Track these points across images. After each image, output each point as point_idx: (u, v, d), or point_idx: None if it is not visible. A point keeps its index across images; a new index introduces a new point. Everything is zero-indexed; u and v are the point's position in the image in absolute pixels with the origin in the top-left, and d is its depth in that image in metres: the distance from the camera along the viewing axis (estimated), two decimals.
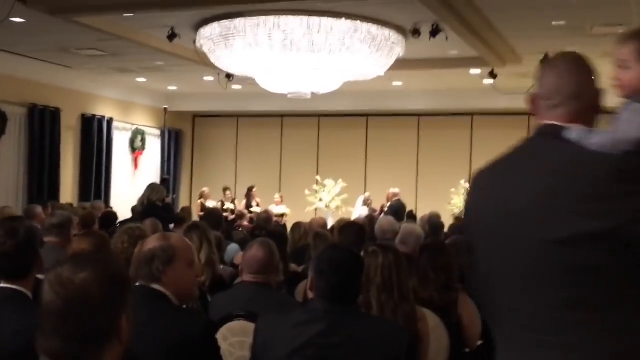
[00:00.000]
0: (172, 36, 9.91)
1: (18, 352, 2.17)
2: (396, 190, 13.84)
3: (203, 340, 2.46)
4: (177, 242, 2.65)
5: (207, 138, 18.03)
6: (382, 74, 10.90)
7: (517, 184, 1.76)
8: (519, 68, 11.85)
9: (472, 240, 1.89)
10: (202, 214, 13.52)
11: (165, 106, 16.07)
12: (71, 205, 11.45)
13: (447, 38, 9.32)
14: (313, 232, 5.84)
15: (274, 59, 9.70)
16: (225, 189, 14.53)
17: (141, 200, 8.39)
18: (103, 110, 15.23)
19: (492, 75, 11.92)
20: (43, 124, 13.33)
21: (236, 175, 17.35)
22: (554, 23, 9.21)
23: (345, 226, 4.67)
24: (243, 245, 6.53)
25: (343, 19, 9.14)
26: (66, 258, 1.60)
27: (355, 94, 14.66)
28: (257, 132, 17.40)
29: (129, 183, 15.94)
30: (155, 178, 16.59)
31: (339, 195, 14.26)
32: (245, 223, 12.29)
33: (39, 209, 8.21)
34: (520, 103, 14.13)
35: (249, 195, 14.58)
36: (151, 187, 8.41)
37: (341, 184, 14.31)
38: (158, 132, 16.98)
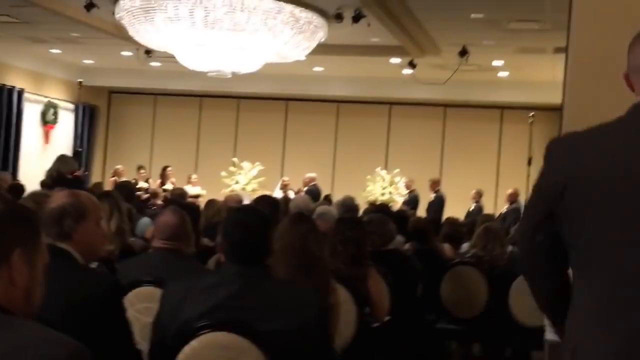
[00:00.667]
0: (89, 6, 9.62)
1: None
2: (312, 175, 13.95)
3: (106, 299, 2.41)
4: (86, 199, 2.59)
5: (123, 115, 17.63)
6: (303, 57, 10.91)
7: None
8: (437, 59, 12.09)
9: (572, 204, 1.86)
10: None
11: (80, 80, 15.59)
12: None
13: (369, 24, 9.42)
14: (226, 208, 5.81)
15: (195, 35, 9.57)
16: (139, 168, 14.24)
17: (50, 173, 8.14)
18: (13, 80, 14.68)
19: (412, 65, 12.12)
20: None
21: (152, 155, 17.04)
22: (472, 16, 9.43)
23: (260, 199, 4.67)
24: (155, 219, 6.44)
25: None
26: None
27: (276, 78, 14.62)
28: (175, 111, 17.14)
29: (39, 157, 15.41)
30: (67, 153, 16.13)
31: (255, 178, 14.20)
32: (159, 202, 12.08)
33: None
34: (437, 94, 14.55)
35: (163, 175, 14.32)
36: (61, 159, 8.18)
37: (258, 167, 14.25)
38: (72, 106, 16.49)
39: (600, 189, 1.83)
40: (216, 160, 15.58)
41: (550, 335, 3.02)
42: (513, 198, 12.80)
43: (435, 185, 13.81)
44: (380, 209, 6.64)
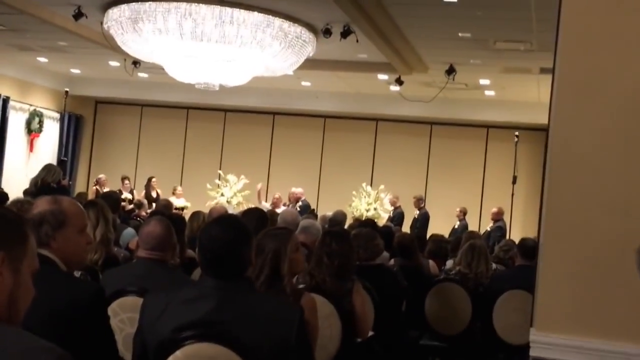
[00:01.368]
0: (78, 15, 9.60)
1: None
2: (300, 189, 13.91)
3: (90, 307, 2.38)
4: (68, 207, 2.54)
5: (108, 125, 17.55)
6: (291, 71, 10.95)
7: None
8: (424, 77, 12.16)
9: None
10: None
11: (66, 89, 15.54)
12: None
13: (357, 40, 9.46)
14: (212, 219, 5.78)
15: (183, 47, 9.57)
16: (123, 178, 14.17)
17: (35, 181, 8.08)
18: None
19: (399, 82, 12.17)
20: None
21: (137, 165, 16.97)
22: (460, 34, 9.50)
23: (247, 211, 4.66)
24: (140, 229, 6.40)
25: (255, 12, 9.12)
26: None
27: (263, 91, 14.65)
28: (161, 122, 17.09)
29: (24, 165, 15.33)
30: (52, 162, 16.03)
31: (240, 191, 14.17)
32: (144, 213, 12.01)
33: None
34: (424, 111, 14.60)
35: (148, 186, 14.28)
36: (47, 168, 8.11)
37: (244, 180, 14.23)
38: (57, 115, 16.41)
39: None
40: (202, 173, 15.54)
41: (535, 352, 3.03)
42: (497, 216, 12.86)
43: (419, 202, 13.85)
44: (366, 224, 6.63)
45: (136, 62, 12.49)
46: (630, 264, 2.58)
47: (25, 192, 9.29)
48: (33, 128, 15.60)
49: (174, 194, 14.10)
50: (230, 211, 13.70)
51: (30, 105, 15.58)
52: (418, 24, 9.28)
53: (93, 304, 2.40)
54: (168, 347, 2.43)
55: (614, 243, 2.95)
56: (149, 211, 11.85)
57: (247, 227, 2.61)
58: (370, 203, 13.99)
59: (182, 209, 13.71)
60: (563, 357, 2.94)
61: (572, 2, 3.07)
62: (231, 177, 14.33)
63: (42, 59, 14.24)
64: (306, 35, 9.75)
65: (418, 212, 13.74)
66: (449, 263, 6.47)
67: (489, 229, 12.90)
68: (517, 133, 13.76)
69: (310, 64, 10.86)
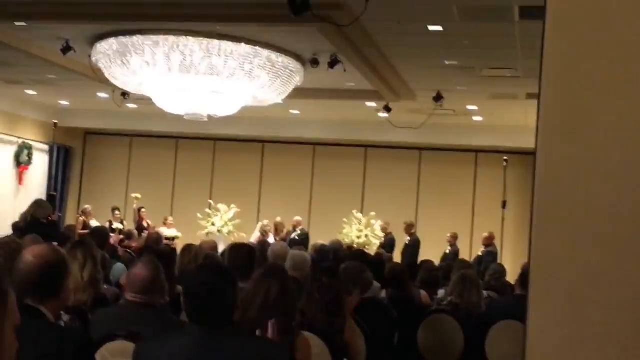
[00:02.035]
0: (66, 49, 9.62)
1: None
2: (299, 218, 14.04)
3: (75, 356, 2.36)
4: (64, 253, 2.57)
5: (98, 156, 17.53)
6: (280, 100, 10.98)
7: None
8: (412, 104, 12.22)
9: None
10: (83, 232, 13.11)
11: (55, 121, 15.53)
12: None
13: (344, 70, 9.50)
14: (203, 254, 5.76)
15: (171, 79, 9.59)
16: (113, 209, 14.13)
17: (24, 216, 8.05)
18: None
19: (387, 109, 12.22)
20: None
21: (127, 196, 16.89)
22: (447, 62, 9.57)
23: (234, 247, 4.64)
24: (129, 265, 6.36)
25: (243, 43, 9.16)
26: None
27: (253, 120, 14.68)
28: (151, 153, 17.08)
29: (12, 198, 15.27)
30: (41, 194, 15.96)
31: (231, 220, 14.13)
32: (134, 244, 11.95)
33: None
34: (412, 137, 14.63)
35: (138, 217, 14.22)
36: (37, 203, 8.09)
37: (234, 209, 14.20)
38: (46, 147, 16.38)
39: None
40: (192, 202, 15.51)
41: None
42: (489, 241, 12.86)
43: (409, 228, 13.84)
44: (357, 255, 6.62)
45: (125, 94, 12.50)
46: (626, 295, 2.57)
47: (15, 227, 9.26)
48: (22, 161, 15.56)
49: (164, 224, 14.06)
50: (221, 241, 13.72)
51: (19, 137, 15.55)
52: (404, 53, 9.35)
53: (79, 353, 2.39)
54: None
55: (605, 276, 2.94)
56: (137, 244, 11.81)
57: (230, 272, 2.64)
58: (362, 230, 13.96)
59: (173, 238, 13.67)
60: None
61: (555, 30, 3.09)
62: (222, 206, 14.29)
63: (31, 92, 14.25)
64: (294, 65, 9.80)
65: (409, 238, 13.72)
66: (441, 292, 6.46)
67: (480, 254, 12.89)
68: (505, 157, 13.84)
69: (298, 93, 10.91)
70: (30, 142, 15.82)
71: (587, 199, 2.98)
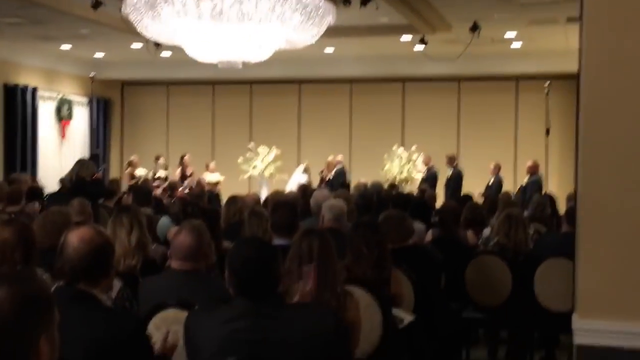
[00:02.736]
0: (96, 4, 9.59)
1: None
2: (339, 157, 14.02)
3: (133, 340, 2.42)
4: (109, 238, 2.62)
5: (136, 106, 17.65)
6: (313, 42, 10.82)
7: None
8: (448, 35, 11.95)
9: None
10: (131, 182, 13.33)
11: (92, 74, 15.62)
12: None
13: (377, 7, 9.30)
14: (248, 208, 5.80)
15: (203, 28, 9.50)
16: (157, 158, 14.29)
17: (69, 176, 8.18)
18: (26, 79, 14.72)
19: (423, 41, 11.98)
20: None
21: (168, 144, 17.07)
22: None
23: (277, 206, 4.64)
24: (176, 220, 6.45)
25: None
26: None
27: (287, 61, 14.50)
28: (189, 99, 17.12)
29: (57, 153, 15.54)
30: (84, 147, 16.22)
31: (273, 162, 14.20)
32: (179, 193, 12.08)
33: None
34: (450, 68, 14.39)
35: (182, 163, 14.38)
36: (80, 163, 8.21)
37: (275, 151, 14.25)
38: (85, 100, 16.53)
39: None
40: (232, 146, 15.57)
41: (579, 339, 2.99)
42: (533, 170, 12.71)
43: (452, 161, 13.73)
44: (400, 200, 6.61)
45: (158, 43, 12.46)
46: None
47: (62, 182, 9.41)
48: (63, 115, 15.75)
49: (207, 169, 14.20)
50: (263, 184, 13.84)
51: (58, 92, 15.70)
52: None
53: (135, 337, 2.44)
54: None
55: None
56: (184, 190, 11.98)
57: (274, 246, 2.64)
58: (403, 165, 13.92)
59: (217, 183, 13.81)
60: (608, 343, 2.90)
61: None
62: (262, 149, 14.35)
63: (66, 47, 14.30)
64: (325, 5, 9.60)
65: (451, 171, 13.63)
66: (486, 231, 6.42)
67: (524, 183, 12.77)
68: (547, 83, 13.50)
69: (332, 32, 10.71)
70: (70, 97, 15.97)
71: (634, 124, 2.88)
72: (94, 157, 12.56)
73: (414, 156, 13.96)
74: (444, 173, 13.71)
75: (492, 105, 15.20)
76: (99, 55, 15.53)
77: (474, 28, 10.85)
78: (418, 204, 7.06)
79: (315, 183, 13.34)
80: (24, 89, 14.51)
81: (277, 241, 4.37)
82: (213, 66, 12.22)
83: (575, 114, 3.09)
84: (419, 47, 12.49)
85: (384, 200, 7.35)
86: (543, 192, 11.81)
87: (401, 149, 14.23)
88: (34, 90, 14.78)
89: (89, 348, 2.30)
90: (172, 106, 17.33)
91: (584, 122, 3.01)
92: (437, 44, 12.30)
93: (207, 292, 3.27)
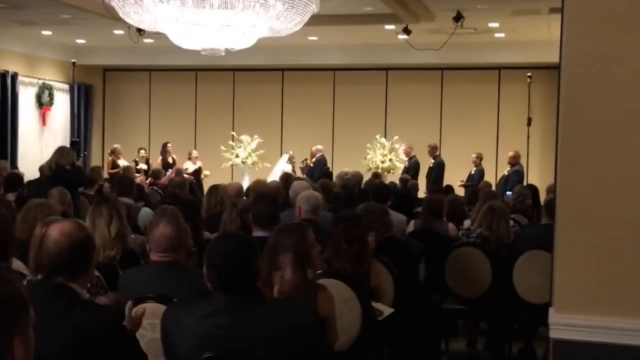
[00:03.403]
0: None
1: None
2: (320, 146, 14.04)
3: (111, 333, 2.42)
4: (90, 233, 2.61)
5: (118, 93, 17.51)
6: (296, 29, 10.77)
7: None
8: (432, 25, 11.95)
9: None
10: (113, 171, 13.25)
11: (73, 60, 15.46)
12: None
13: None
14: (229, 198, 5.78)
15: (185, 15, 9.43)
16: (139, 150, 14.20)
17: (49, 164, 8.11)
18: (6, 64, 14.56)
19: (406, 31, 11.96)
20: None
21: (150, 131, 16.98)
22: None
23: (258, 198, 4.63)
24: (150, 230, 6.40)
25: None
26: None
27: (271, 49, 14.45)
28: (171, 87, 17.01)
29: (37, 140, 15.41)
30: (65, 134, 16.08)
31: (255, 151, 14.16)
32: (162, 182, 12.03)
33: None
34: (434, 57, 14.38)
35: (164, 152, 14.31)
36: (60, 151, 8.12)
37: (257, 139, 14.20)
38: (67, 86, 16.38)
39: None
40: (215, 134, 15.52)
41: (556, 334, 3.01)
42: (514, 160, 12.76)
43: (433, 150, 13.76)
44: (381, 191, 6.62)
45: (140, 30, 12.37)
46: None
47: (41, 170, 9.32)
48: (44, 101, 15.60)
49: (189, 158, 14.12)
50: (246, 173, 13.81)
51: (39, 79, 15.55)
52: None
53: (114, 329, 2.44)
54: None
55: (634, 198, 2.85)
56: (166, 180, 11.92)
57: (253, 241, 2.67)
58: (385, 154, 13.93)
59: (199, 173, 13.73)
60: (584, 338, 2.93)
61: None
62: (244, 138, 14.30)
63: (47, 32, 14.14)
64: None
65: (433, 160, 13.67)
66: (466, 222, 6.45)
67: (506, 173, 12.83)
68: (529, 73, 13.55)
69: (315, 20, 10.66)
70: (51, 83, 15.82)
71: (613, 117, 2.89)
72: (73, 144, 12.46)
73: (396, 146, 13.98)
74: (426, 163, 13.74)
75: (475, 95, 15.24)
76: (81, 41, 15.38)
77: (458, 18, 10.86)
78: (400, 194, 7.08)
79: (298, 172, 13.34)
80: (4, 75, 14.35)
81: (258, 233, 4.37)
82: (196, 53, 12.15)
83: (556, 105, 3.10)
84: (403, 37, 12.49)
85: (364, 192, 7.36)
86: (524, 183, 11.88)
87: (384, 138, 14.24)
88: (14, 75, 14.62)
89: (67, 342, 2.30)
90: (155, 93, 17.22)
91: (564, 115, 3.02)
92: (420, 34, 12.29)
93: (188, 284, 3.27)
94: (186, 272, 3.46)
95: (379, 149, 13.93)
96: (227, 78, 16.58)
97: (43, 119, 15.67)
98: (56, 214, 4.28)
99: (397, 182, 11.08)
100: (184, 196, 6.29)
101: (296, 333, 2.57)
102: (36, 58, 15.48)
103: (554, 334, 3.00)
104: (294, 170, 13.21)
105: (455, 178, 12.86)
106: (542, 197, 9.59)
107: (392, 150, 13.93)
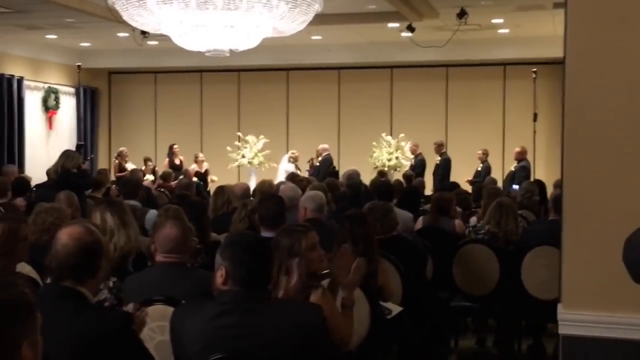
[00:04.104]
0: None
1: None
2: (325, 145, 14.00)
3: (119, 337, 2.42)
4: (100, 235, 2.61)
5: (124, 95, 17.54)
6: (300, 29, 10.77)
7: None
8: (436, 22, 11.94)
9: None
10: (120, 174, 13.26)
11: (78, 63, 15.51)
12: None
13: None
14: (235, 198, 5.78)
15: (189, 17, 9.44)
16: (145, 160, 14.15)
17: (55, 168, 8.13)
18: (12, 69, 14.61)
19: (410, 29, 11.96)
20: None
21: (156, 133, 17.01)
22: None
23: (264, 199, 4.64)
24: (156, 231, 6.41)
25: None
26: None
27: (275, 49, 14.47)
28: (176, 88, 17.03)
29: (44, 144, 15.46)
30: (71, 138, 16.12)
31: (261, 151, 14.16)
32: (172, 184, 12.01)
33: None
34: (438, 54, 14.37)
35: (171, 154, 14.32)
36: (65, 154, 8.14)
37: (263, 139, 14.20)
38: (72, 90, 16.41)
39: None
40: (221, 135, 15.52)
41: (564, 330, 3.01)
42: (521, 156, 12.74)
43: (439, 148, 13.73)
44: (382, 188, 6.62)
45: (145, 32, 12.39)
46: None
47: (48, 174, 9.34)
48: (50, 105, 15.64)
49: (195, 161, 14.08)
50: (252, 173, 13.81)
51: (45, 82, 15.59)
52: None
53: (121, 332, 2.44)
54: None
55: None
56: (174, 183, 11.91)
57: (268, 241, 2.75)
58: (392, 152, 13.91)
59: (206, 176, 13.70)
60: (593, 333, 2.92)
61: None
62: (250, 138, 14.30)
63: (51, 36, 14.19)
64: None
65: (439, 158, 13.65)
66: (473, 219, 6.44)
67: (512, 169, 12.81)
68: (534, 69, 13.53)
69: (319, 19, 10.66)
70: (56, 86, 15.86)
71: (618, 112, 2.88)
72: (79, 147, 12.49)
73: (402, 143, 13.96)
74: (433, 160, 13.72)
75: (480, 91, 15.21)
76: (85, 44, 15.43)
77: (461, 14, 10.85)
78: (406, 192, 7.08)
79: (304, 171, 13.33)
80: (10, 79, 14.39)
81: (265, 234, 4.37)
82: (200, 54, 12.17)
83: (561, 100, 3.09)
84: (407, 34, 12.48)
85: (370, 191, 7.36)
86: (531, 178, 11.86)
87: (389, 136, 14.22)
88: (20, 80, 14.66)
89: (75, 345, 2.30)
90: (160, 95, 17.25)
91: (569, 110, 3.02)
92: (424, 31, 12.29)
93: (193, 285, 3.28)
94: (191, 273, 3.47)
95: (385, 147, 13.92)
96: (232, 79, 16.59)
97: (49, 123, 15.72)
98: (66, 217, 4.29)
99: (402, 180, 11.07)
100: (191, 197, 6.29)
101: (304, 333, 2.58)
102: (41, 62, 15.53)
103: (563, 330, 3.00)
104: (298, 169, 13.20)
105: (461, 174, 12.84)
106: (550, 192, 9.58)
107: (398, 148, 13.91)
